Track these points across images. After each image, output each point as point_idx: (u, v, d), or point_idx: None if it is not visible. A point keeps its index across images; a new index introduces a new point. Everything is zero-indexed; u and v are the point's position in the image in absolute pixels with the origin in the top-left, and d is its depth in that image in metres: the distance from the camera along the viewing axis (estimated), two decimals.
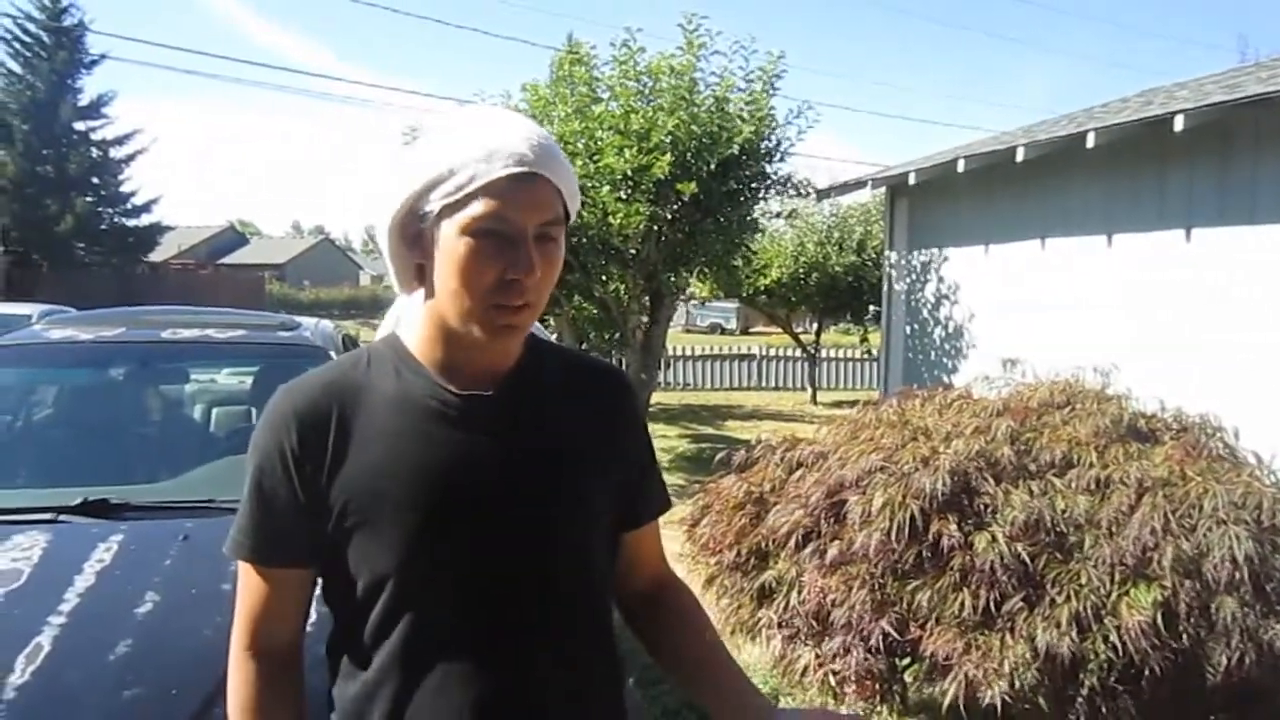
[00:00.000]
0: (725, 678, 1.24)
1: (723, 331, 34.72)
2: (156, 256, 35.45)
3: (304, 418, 1.13)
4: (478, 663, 1.13)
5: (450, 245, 1.08)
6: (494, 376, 1.18)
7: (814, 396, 16.42)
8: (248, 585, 1.18)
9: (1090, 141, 5.97)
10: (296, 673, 1.21)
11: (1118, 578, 2.59)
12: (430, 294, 1.15)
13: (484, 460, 1.15)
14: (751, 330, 35.10)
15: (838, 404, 14.74)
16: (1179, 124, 5.33)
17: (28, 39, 28.91)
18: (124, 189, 31.54)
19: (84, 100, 29.75)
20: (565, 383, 1.25)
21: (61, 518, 2.53)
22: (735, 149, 8.29)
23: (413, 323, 1.20)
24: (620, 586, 1.32)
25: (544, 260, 1.10)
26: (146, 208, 32.13)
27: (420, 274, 1.15)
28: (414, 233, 1.13)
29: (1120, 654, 2.49)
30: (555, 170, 1.11)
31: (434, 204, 1.09)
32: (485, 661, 1.13)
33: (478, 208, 1.06)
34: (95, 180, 30.56)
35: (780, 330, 18.32)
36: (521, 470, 1.16)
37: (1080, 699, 2.54)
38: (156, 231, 32.84)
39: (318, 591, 1.23)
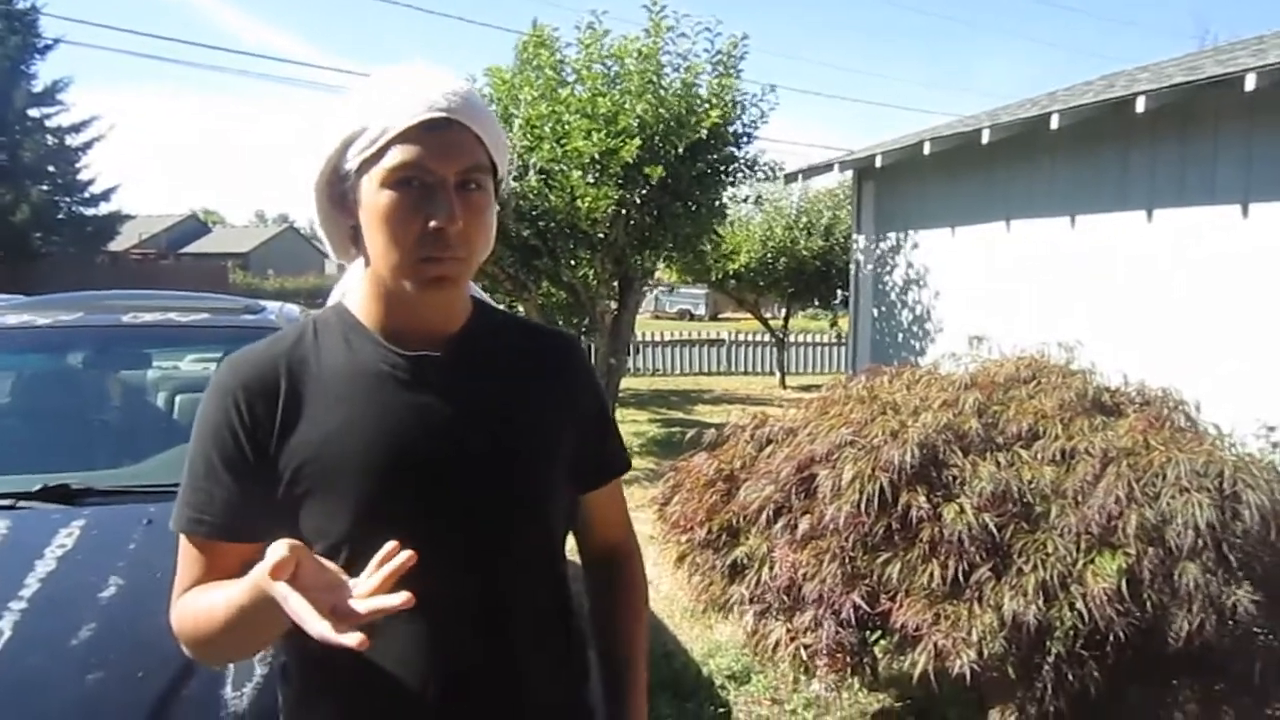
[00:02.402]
0: (616, 657, 1.34)
1: (691, 317, 34.75)
2: (116, 246, 34.88)
3: (251, 388, 1.11)
4: (440, 627, 1.12)
5: (371, 200, 1.07)
6: (442, 339, 1.17)
7: (783, 381, 16.50)
8: (186, 558, 1.16)
9: (1054, 123, 6.03)
10: None
11: (1083, 546, 2.62)
12: (363, 254, 1.14)
13: (436, 422, 1.13)
14: (720, 316, 35.15)
15: (806, 388, 14.82)
16: (1140, 105, 5.40)
17: None
18: (81, 177, 30.91)
19: (38, 86, 29.09)
20: (514, 344, 1.25)
21: (20, 504, 2.48)
22: (703, 132, 8.28)
23: (357, 290, 1.19)
24: (580, 547, 1.35)
25: (467, 209, 1.08)
26: (105, 196, 31.52)
27: (355, 238, 1.14)
28: (338, 194, 1.12)
29: (1086, 621, 2.53)
30: (473, 117, 1.09)
31: (352, 161, 1.08)
32: (448, 625, 1.12)
33: (393, 158, 1.05)
34: (51, 168, 29.92)
35: (749, 315, 18.37)
36: (474, 430, 1.15)
37: (1047, 666, 2.57)
38: (116, 220, 32.25)
39: None
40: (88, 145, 30.67)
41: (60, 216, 30.32)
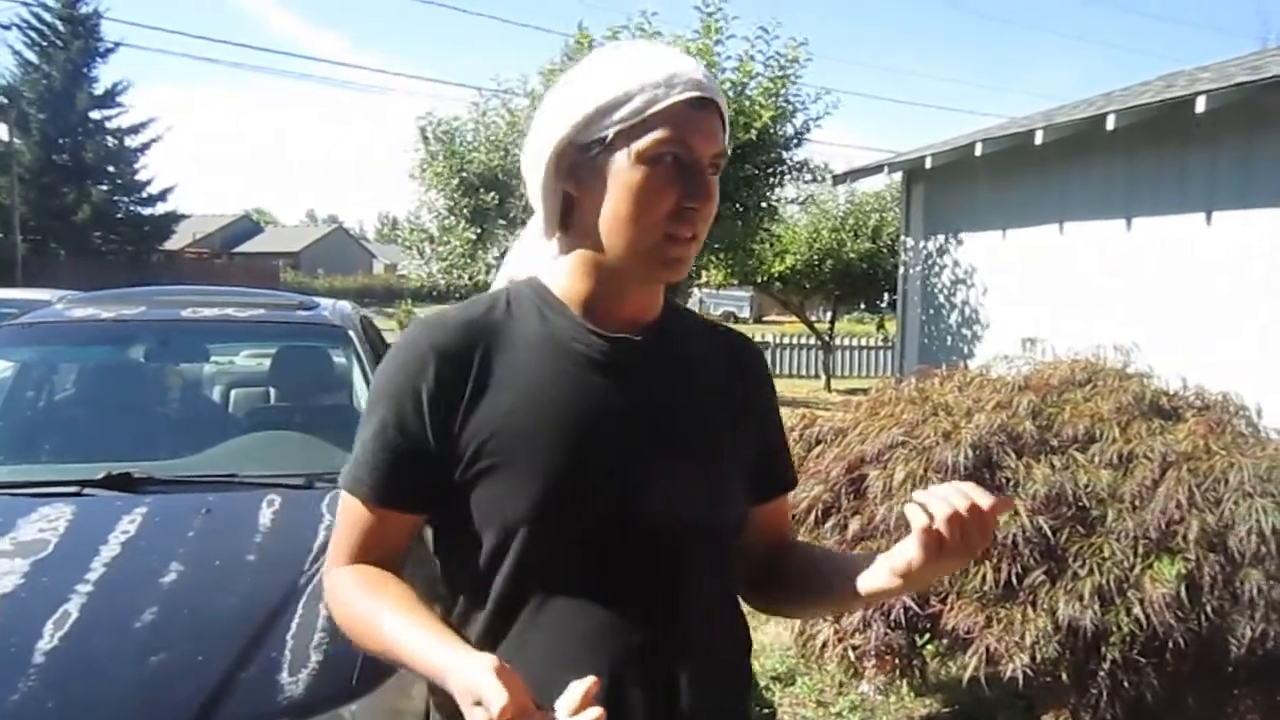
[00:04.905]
0: (865, 556, 1.18)
1: (736, 320, 34.59)
2: (172, 245, 35.75)
3: (444, 355, 1.06)
4: (617, 616, 1.07)
5: (625, 173, 1.03)
6: (639, 324, 1.12)
7: (828, 384, 16.37)
8: (353, 519, 1.11)
9: (1110, 124, 5.93)
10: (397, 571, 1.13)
11: (1141, 551, 2.57)
12: (581, 232, 1.09)
13: (631, 407, 1.09)
14: (764, 319, 35.01)
15: (852, 391, 14.71)
16: (1201, 105, 5.29)
17: (43, 27, 29.08)
18: (139, 177, 31.77)
19: (99, 89, 29.95)
20: (704, 340, 1.21)
21: (85, 491, 2.55)
22: (754, 134, 8.26)
23: (554, 266, 1.14)
24: (743, 559, 1.25)
25: (712, 193, 1.06)
26: (162, 196, 32.35)
27: (567, 212, 1.10)
28: (569, 165, 1.07)
29: (1143, 627, 2.48)
30: (722, 103, 1.08)
31: (607, 130, 1.03)
32: (625, 614, 1.07)
33: (659, 133, 1.02)
34: (111, 169, 30.79)
35: (794, 318, 18.27)
36: (668, 421, 1.11)
37: (1102, 672, 2.53)
38: (172, 220, 33.06)
39: None
40: (145, 146, 31.52)
41: (119, 216, 31.18)
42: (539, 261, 1.18)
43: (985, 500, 1.00)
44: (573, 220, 1.10)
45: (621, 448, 1.07)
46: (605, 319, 1.10)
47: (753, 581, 1.27)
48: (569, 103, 1.06)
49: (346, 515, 1.12)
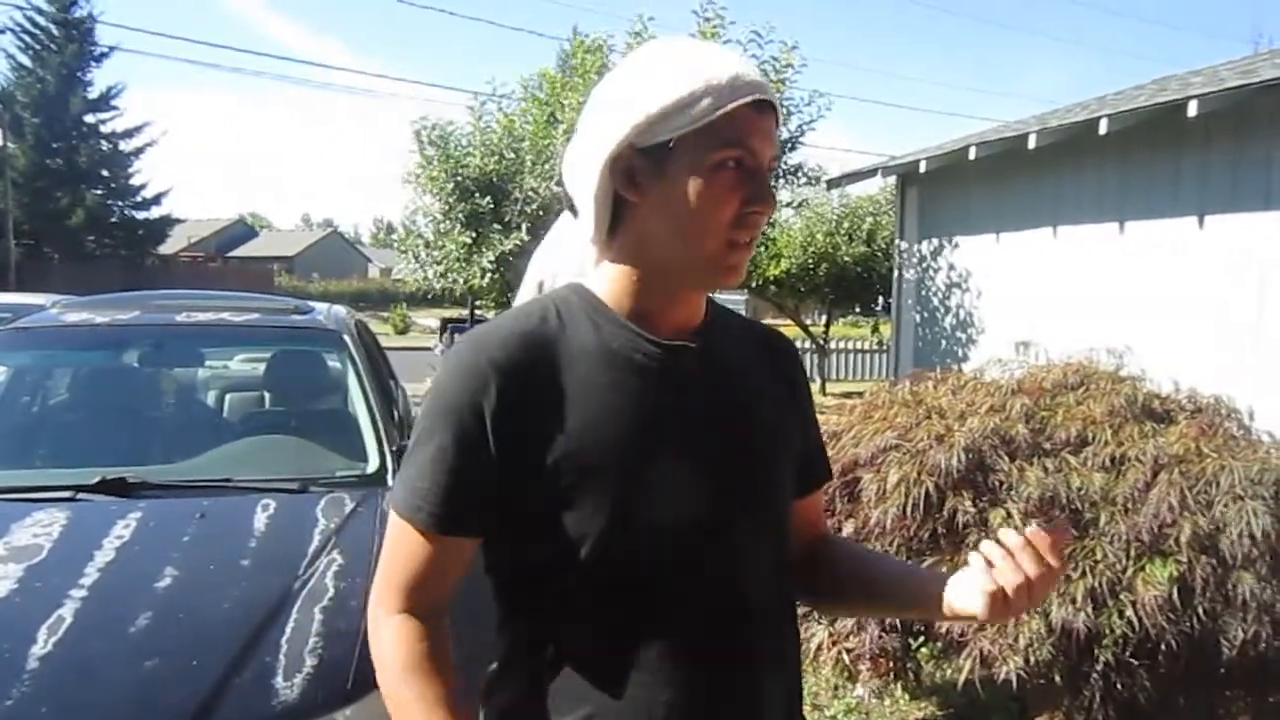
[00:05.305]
0: (918, 572, 1.21)
1: None
2: (166, 249, 35.67)
3: (504, 371, 1.01)
4: (698, 626, 1.05)
5: (690, 178, 1.00)
6: (690, 329, 1.10)
7: (823, 387, 16.37)
8: (409, 549, 1.05)
9: (1103, 128, 5.95)
10: (444, 624, 1.09)
11: (1133, 553, 2.58)
12: (636, 237, 1.06)
13: (694, 415, 1.07)
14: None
15: (847, 395, 14.72)
16: (1193, 109, 5.30)
17: (37, 31, 29.03)
18: (134, 181, 31.70)
19: (94, 93, 29.90)
20: (746, 340, 1.19)
21: (80, 496, 2.55)
22: None
23: (601, 272, 1.10)
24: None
25: (775, 198, 1.05)
26: (156, 200, 32.28)
27: (617, 216, 1.06)
28: (625, 168, 1.03)
29: (1136, 629, 2.49)
30: (778, 105, 1.05)
31: (671, 134, 1.00)
32: (705, 622, 1.05)
33: (726, 138, 0.99)
34: (105, 173, 30.73)
35: (789, 322, 18.29)
36: (729, 424, 1.09)
37: (1095, 674, 2.54)
38: (166, 224, 33.00)
39: None
40: (140, 150, 31.45)
41: (113, 220, 31.11)
42: (571, 263, 1.16)
43: (1055, 559, 1.01)
44: (624, 225, 1.06)
45: (691, 455, 1.05)
46: (658, 325, 1.07)
47: (797, 577, 1.25)
48: (627, 104, 1.02)
49: (402, 546, 1.06)
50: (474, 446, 1.01)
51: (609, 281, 1.09)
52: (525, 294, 1.26)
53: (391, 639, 1.05)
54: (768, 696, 1.10)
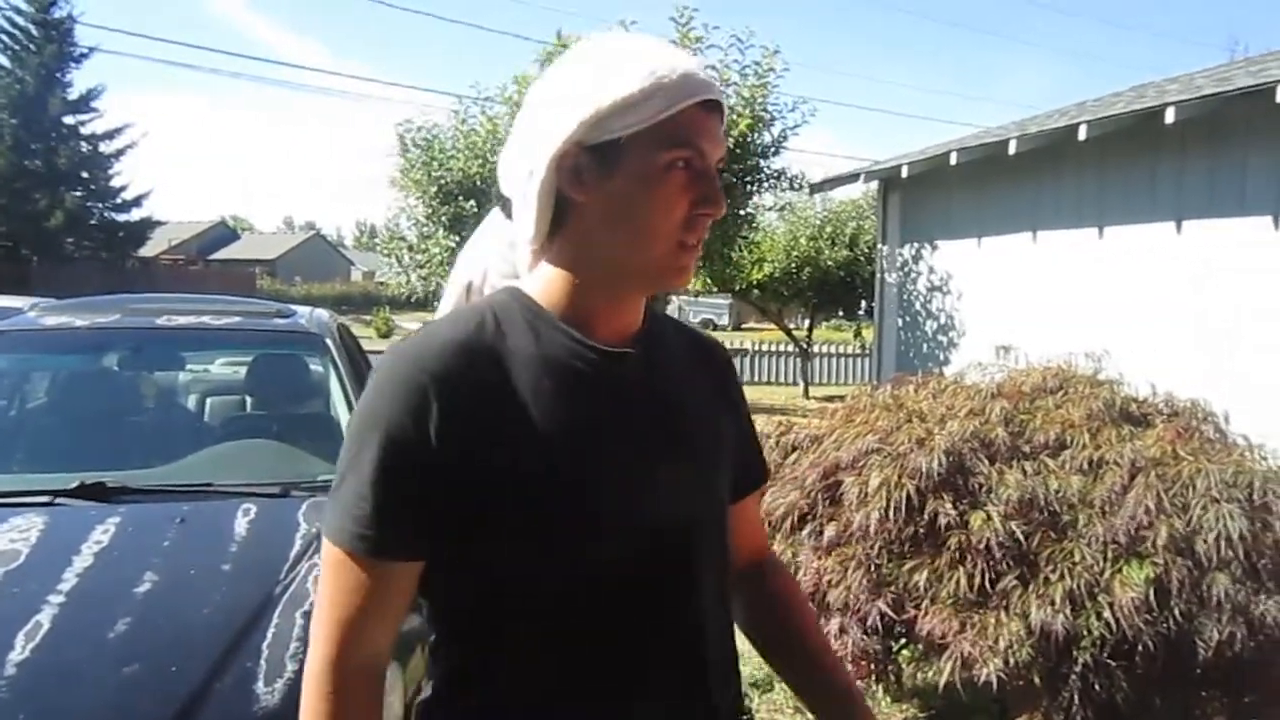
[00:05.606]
0: (835, 682, 1.22)
1: (715, 327, 34.67)
2: (147, 251, 35.41)
3: (443, 381, 0.96)
4: (637, 651, 1.03)
5: (638, 178, 0.98)
6: (626, 335, 1.07)
7: (806, 391, 16.44)
8: (348, 584, 0.98)
9: (1082, 134, 6.01)
10: (382, 686, 1.03)
11: (1111, 555, 2.61)
12: (577, 238, 1.02)
13: (636, 421, 1.05)
14: (744, 326, 35.12)
15: (830, 398, 14.77)
16: (1170, 116, 5.37)
17: (16, 31, 28.77)
18: (114, 183, 31.43)
19: (73, 94, 29.62)
20: (680, 343, 1.18)
21: (58, 501, 2.53)
22: (731, 143, 8.32)
23: (539, 274, 1.07)
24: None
25: (724, 199, 1.03)
26: (137, 202, 32.02)
27: (559, 217, 1.02)
28: (571, 167, 0.99)
29: (1113, 630, 2.52)
30: (724, 104, 1.04)
31: (619, 131, 0.96)
32: (645, 648, 1.04)
33: (677, 136, 0.97)
34: (85, 175, 30.46)
35: (772, 325, 18.35)
36: (673, 427, 1.08)
37: (1074, 675, 2.56)
38: (147, 226, 32.74)
39: None
40: (120, 152, 31.19)
41: (93, 222, 30.85)
42: (502, 264, 1.14)
43: None
44: (567, 226, 1.02)
45: (636, 461, 1.03)
46: (598, 330, 1.04)
47: (741, 589, 1.24)
48: (575, 100, 0.98)
49: (341, 580, 0.99)
50: (419, 466, 0.96)
51: (547, 285, 1.05)
52: (452, 296, 1.21)
53: (320, 695, 0.98)
54: (723, 714, 1.13)
